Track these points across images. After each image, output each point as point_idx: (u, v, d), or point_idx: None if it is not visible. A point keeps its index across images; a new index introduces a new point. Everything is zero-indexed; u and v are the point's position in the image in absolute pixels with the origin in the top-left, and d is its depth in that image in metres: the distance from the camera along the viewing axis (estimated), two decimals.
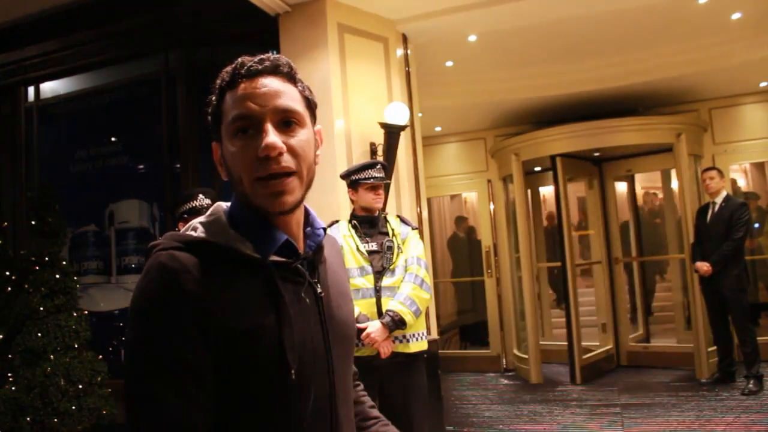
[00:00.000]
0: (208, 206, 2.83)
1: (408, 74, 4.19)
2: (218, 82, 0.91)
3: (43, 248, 3.96)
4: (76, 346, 3.87)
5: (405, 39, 4.20)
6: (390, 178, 3.62)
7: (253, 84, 0.87)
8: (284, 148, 0.85)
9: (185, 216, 2.87)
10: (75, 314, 3.95)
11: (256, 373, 0.81)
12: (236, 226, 0.88)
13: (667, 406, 4.28)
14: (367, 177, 2.74)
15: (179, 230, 2.68)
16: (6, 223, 5.00)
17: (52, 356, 3.74)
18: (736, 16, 4.43)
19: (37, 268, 3.93)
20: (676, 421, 3.95)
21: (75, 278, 4.11)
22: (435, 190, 6.55)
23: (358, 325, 2.55)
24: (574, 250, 5.65)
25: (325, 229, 0.99)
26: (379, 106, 3.76)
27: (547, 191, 10.13)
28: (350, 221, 2.79)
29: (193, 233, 0.87)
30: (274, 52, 4.09)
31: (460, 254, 7.11)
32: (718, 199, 4.75)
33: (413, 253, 2.73)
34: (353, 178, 2.78)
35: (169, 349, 0.77)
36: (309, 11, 3.70)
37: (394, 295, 2.63)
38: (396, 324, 2.55)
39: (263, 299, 0.84)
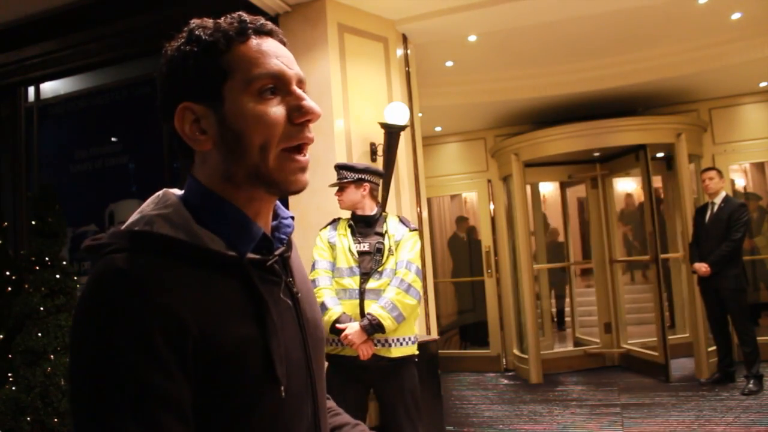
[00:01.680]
0: None
1: (408, 74, 4.19)
2: (215, 32, 0.76)
3: (43, 248, 3.96)
4: None
5: (405, 39, 4.20)
6: (388, 178, 3.62)
7: (272, 43, 0.76)
8: (320, 111, 0.76)
9: None
10: None
11: (242, 394, 0.68)
12: (199, 218, 0.73)
13: (667, 406, 4.28)
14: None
15: None
16: (6, 223, 5.00)
17: (52, 356, 3.74)
18: (736, 16, 4.43)
19: (37, 268, 3.93)
20: (676, 421, 3.95)
21: (75, 278, 4.11)
22: (435, 190, 6.55)
23: (339, 325, 2.54)
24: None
25: (293, 218, 0.86)
26: (379, 106, 3.76)
27: (546, 191, 10.15)
28: (348, 220, 2.79)
29: (148, 228, 0.70)
30: None
31: (461, 254, 7.11)
32: (717, 200, 4.75)
33: (404, 256, 2.65)
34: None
35: (136, 374, 0.61)
36: (309, 11, 3.70)
37: (378, 297, 2.59)
38: (374, 328, 2.50)
39: (243, 306, 0.71)
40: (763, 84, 5.61)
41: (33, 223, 4.05)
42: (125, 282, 0.63)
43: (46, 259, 3.94)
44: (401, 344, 2.62)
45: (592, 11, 4.12)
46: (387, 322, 2.52)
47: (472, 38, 4.45)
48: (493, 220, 6.32)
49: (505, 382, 5.63)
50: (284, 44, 0.79)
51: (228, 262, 0.72)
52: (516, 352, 5.98)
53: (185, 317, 0.64)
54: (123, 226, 0.72)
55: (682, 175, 5.20)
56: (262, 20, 0.78)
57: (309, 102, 0.74)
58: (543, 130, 5.56)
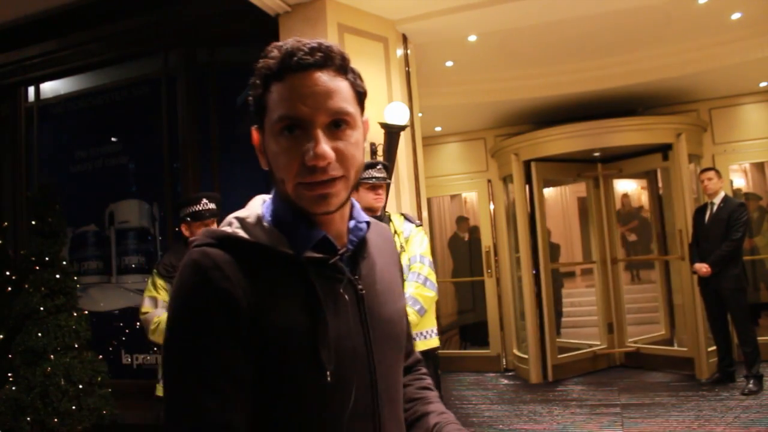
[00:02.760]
0: (211, 210, 2.85)
1: (408, 74, 4.19)
2: (263, 68, 0.83)
3: (43, 248, 3.96)
4: (76, 346, 3.87)
5: (405, 39, 4.20)
6: (390, 178, 3.62)
7: (304, 80, 0.80)
8: (333, 156, 0.80)
9: (188, 219, 2.88)
10: (75, 314, 3.95)
11: (290, 374, 0.79)
12: (275, 221, 0.85)
13: (667, 406, 4.28)
14: (368, 177, 2.73)
15: (182, 233, 2.68)
16: (6, 223, 5.00)
17: (52, 356, 3.74)
18: (736, 16, 4.43)
19: (37, 268, 3.93)
20: (675, 421, 3.95)
21: (75, 278, 4.11)
22: (435, 190, 6.55)
23: None
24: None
25: (368, 223, 0.93)
26: (379, 106, 3.76)
27: (547, 191, 10.16)
28: None
29: (228, 228, 0.84)
30: None
31: (461, 254, 7.11)
32: (717, 200, 4.75)
33: (416, 251, 2.71)
34: None
35: (202, 348, 0.75)
36: (309, 11, 3.70)
37: None
38: None
39: (297, 297, 0.81)
40: (763, 84, 5.61)
41: (33, 223, 4.05)
42: (195, 270, 0.78)
43: (46, 259, 3.94)
44: (425, 337, 2.68)
45: (592, 11, 4.12)
46: (412, 316, 2.56)
47: (472, 38, 4.45)
48: (493, 220, 6.32)
49: (505, 382, 5.63)
50: (331, 66, 0.82)
51: (288, 260, 0.82)
52: (516, 352, 5.98)
53: (241, 301, 0.76)
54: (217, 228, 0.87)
55: (682, 175, 5.20)
56: (305, 51, 0.80)
57: (320, 148, 0.78)
58: (543, 130, 5.56)
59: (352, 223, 0.91)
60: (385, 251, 1.00)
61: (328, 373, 0.79)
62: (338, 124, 0.81)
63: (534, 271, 5.55)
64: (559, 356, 5.46)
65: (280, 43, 0.83)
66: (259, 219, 0.85)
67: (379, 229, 1.02)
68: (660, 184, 6.27)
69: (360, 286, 0.88)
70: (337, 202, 0.82)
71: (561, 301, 7.66)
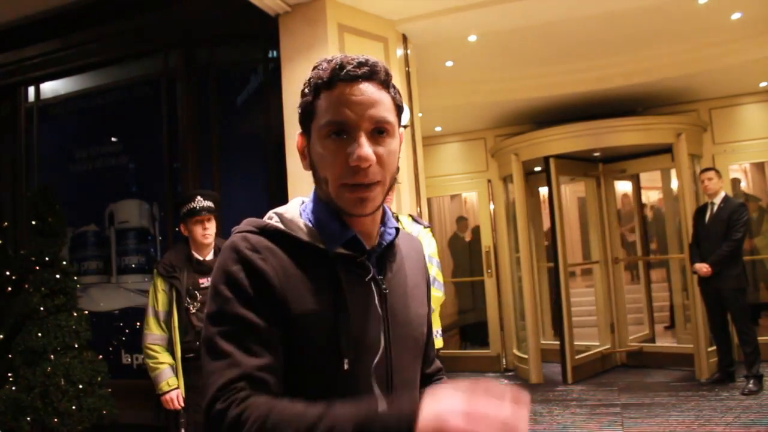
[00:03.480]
0: (207, 208, 2.86)
1: (408, 74, 4.19)
2: (313, 78, 0.92)
3: (43, 248, 3.96)
4: (76, 346, 3.87)
5: (405, 39, 4.20)
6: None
7: (351, 89, 0.88)
8: (374, 159, 0.87)
9: (184, 217, 2.89)
10: (75, 314, 3.95)
11: (309, 360, 0.85)
12: (312, 218, 0.94)
13: (666, 406, 4.28)
14: None
15: (181, 232, 2.71)
16: (6, 223, 5.00)
17: (52, 356, 3.73)
18: (736, 16, 4.43)
19: (37, 268, 3.93)
20: (675, 421, 3.95)
21: (75, 278, 4.11)
22: (435, 190, 6.55)
23: None
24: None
25: (398, 229, 1.01)
26: None
27: (546, 191, 10.13)
28: None
29: (267, 220, 0.93)
30: (275, 53, 4.09)
31: (461, 254, 7.11)
32: (717, 200, 4.75)
33: (425, 252, 2.71)
34: None
35: (237, 313, 0.83)
36: (309, 11, 3.70)
37: None
38: None
39: (324, 288, 0.87)
40: (763, 84, 5.61)
41: (33, 223, 4.05)
42: (234, 251, 0.87)
43: (46, 259, 3.94)
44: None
45: (592, 11, 4.12)
46: None
47: (472, 38, 4.45)
48: (493, 220, 6.32)
49: (505, 382, 5.63)
50: (376, 79, 0.90)
51: (319, 253, 0.90)
52: (516, 352, 5.98)
53: (273, 280, 0.85)
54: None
55: (682, 175, 5.20)
56: (354, 64, 0.89)
57: (362, 150, 0.86)
58: (543, 130, 5.56)
59: (382, 228, 0.98)
60: (413, 260, 1.07)
61: (345, 361, 0.85)
62: (380, 132, 0.89)
63: (554, 269, 5.45)
64: (576, 357, 5.42)
65: (329, 57, 0.92)
66: (297, 214, 0.94)
67: (412, 242, 1.11)
68: (660, 185, 6.28)
69: (384, 286, 0.94)
70: (373, 207, 0.90)
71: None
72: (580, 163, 5.79)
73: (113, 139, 4.86)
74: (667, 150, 5.41)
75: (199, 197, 2.89)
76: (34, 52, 4.87)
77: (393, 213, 2.87)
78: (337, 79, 0.88)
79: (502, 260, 6.22)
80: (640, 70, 5.18)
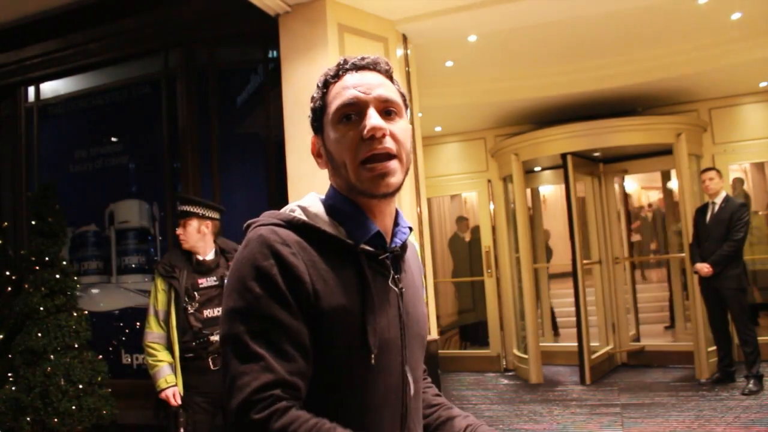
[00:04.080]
0: (180, 213, 3.00)
1: (408, 74, 4.19)
2: (321, 78, 0.96)
3: (43, 248, 3.96)
4: (76, 346, 3.87)
5: (405, 39, 4.20)
6: None
7: (357, 75, 0.93)
8: (387, 130, 0.89)
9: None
10: (75, 314, 3.95)
11: (337, 354, 0.85)
12: (331, 213, 0.93)
13: (667, 406, 4.28)
14: None
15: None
16: (6, 223, 5.00)
17: (52, 356, 3.73)
18: (736, 16, 4.43)
19: (37, 268, 3.93)
20: (676, 421, 3.95)
21: (75, 278, 4.11)
22: (435, 190, 6.55)
23: None
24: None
25: (411, 229, 1.02)
26: None
27: (546, 191, 10.15)
28: None
29: (292, 213, 0.91)
30: (275, 53, 4.09)
31: (461, 254, 7.11)
32: (718, 200, 4.75)
33: None
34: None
35: (268, 312, 0.81)
36: (309, 11, 3.70)
37: None
38: None
39: (351, 283, 0.88)
40: (763, 84, 5.61)
41: (33, 223, 4.05)
42: (264, 243, 0.85)
43: (46, 259, 3.94)
44: None
45: (592, 11, 4.12)
46: None
47: (472, 38, 4.45)
48: (493, 220, 6.32)
49: (505, 382, 5.63)
50: (379, 69, 0.96)
51: (345, 247, 0.90)
52: (516, 352, 5.98)
53: (304, 276, 0.84)
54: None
55: (682, 175, 5.20)
56: (358, 58, 0.95)
57: (374, 121, 0.88)
58: (543, 130, 5.56)
59: (396, 228, 1.00)
60: (413, 261, 1.09)
61: (372, 356, 0.85)
62: (389, 113, 0.92)
63: (572, 268, 5.39)
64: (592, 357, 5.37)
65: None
66: (320, 208, 0.94)
67: (410, 242, 1.09)
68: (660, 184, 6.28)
69: (401, 285, 0.96)
70: (395, 183, 0.90)
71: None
72: (580, 162, 5.79)
73: (113, 139, 4.86)
74: (668, 152, 5.41)
75: (178, 202, 3.07)
76: (34, 52, 4.87)
77: None
78: (343, 70, 0.94)
79: (502, 260, 6.22)
80: (640, 70, 5.18)
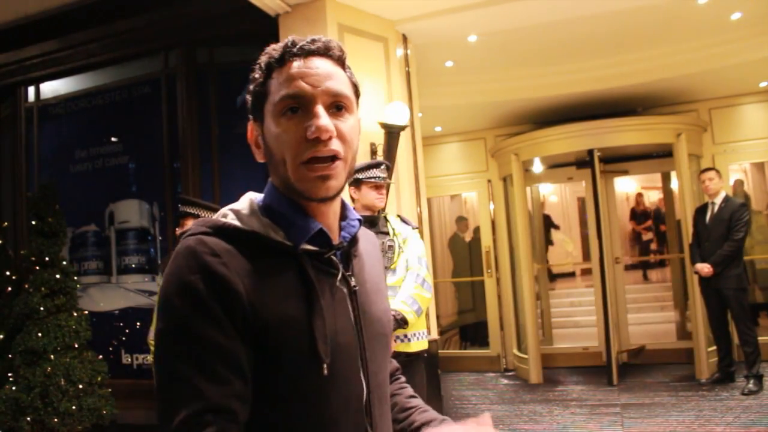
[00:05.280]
0: (180, 214, 3.03)
1: (408, 74, 4.19)
2: (264, 59, 0.86)
3: (43, 248, 3.96)
4: (76, 346, 3.87)
5: (405, 39, 4.20)
6: (390, 179, 3.62)
7: (305, 63, 0.84)
8: (335, 131, 0.82)
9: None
10: (75, 314, 3.95)
11: (286, 367, 0.78)
12: (269, 214, 0.85)
13: (667, 406, 4.28)
14: (371, 176, 2.76)
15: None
16: (6, 223, 5.00)
17: (52, 356, 3.74)
18: (736, 16, 4.43)
19: (37, 268, 3.93)
20: (676, 421, 3.95)
21: (75, 278, 4.11)
22: (435, 190, 6.55)
23: None
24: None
25: (360, 221, 0.94)
26: (379, 106, 3.76)
27: (546, 190, 10.14)
28: None
29: (222, 219, 0.84)
30: None
31: (461, 254, 7.11)
32: (718, 200, 4.75)
33: (414, 252, 2.75)
34: (357, 177, 2.80)
35: (198, 332, 0.73)
36: (309, 11, 3.70)
37: (395, 294, 2.65)
38: (398, 323, 2.56)
39: (294, 289, 0.80)
40: (763, 84, 5.61)
41: (33, 223, 4.05)
42: (190, 256, 0.76)
43: (46, 259, 3.94)
44: (418, 338, 2.72)
45: (593, 11, 4.12)
46: (410, 316, 2.59)
47: (472, 38, 4.45)
48: (493, 220, 6.32)
49: (505, 382, 5.63)
50: (330, 56, 0.86)
51: (284, 250, 0.82)
52: (516, 352, 5.98)
53: (238, 288, 0.75)
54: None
55: (682, 175, 5.20)
56: (307, 41, 0.85)
57: (321, 121, 0.80)
58: (543, 130, 5.56)
59: (343, 222, 0.92)
60: (372, 254, 1.00)
61: (324, 366, 0.78)
62: (338, 108, 0.84)
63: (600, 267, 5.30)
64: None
65: (275, 45, 0.87)
66: (254, 211, 0.85)
67: (365, 233, 1.02)
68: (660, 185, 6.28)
69: (353, 283, 0.88)
70: (336, 186, 0.83)
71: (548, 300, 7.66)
72: (583, 162, 5.79)
73: (113, 139, 4.86)
74: (668, 153, 5.41)
75: (179, 203, 3.11)
76: (34, 52, 4.87)
77: (382, 213, 2.89)
78: (289, 55, 0.84)
79: (502, 260, 6.22)
80: (640, 70, 5.18)
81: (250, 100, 0.89)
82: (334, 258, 0.87)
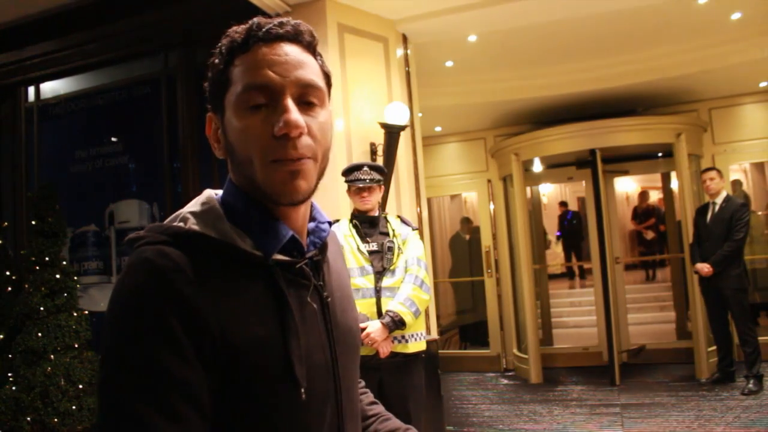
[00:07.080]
0: None
1: (408, 74, 4.19)
2: (226, 42, 0.77)
3: (43, 248, 3.96)
4: (76, 346, 3.87)
5: (405, 39, 4.20)
6: (388, 178, 3.62)
7: (273, 49, 0.74)
8: (305, 128, 0.72)
9: None
10: (75, 314, 3.95)
11: (260, 393, 0.69)
12: (233, 218, 0.74)
13: (666, 406, 4.28)
14: (352, 180, 2.75)
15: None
16: (6, 223, 5.00)
17: (52, 356, 3.74)
18: (736, 16, 4.43)
19: (37, 268, 3.93)
20: (675, 421, 3.95)
21: (75, 278, 4.11)
22: (435, 190, 6.55)
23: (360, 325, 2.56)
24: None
25: (330, 224, 0.86)
26: (379, 106, 3.76)
27: (547, 190, 10.14)
28: (351, 221, 2.80)
29: (182, 225, 0.72)
30: None
31: (461, 254, 7.11)
32: (719, 200, 4.75)
33: (413, 253, 2.74)
34: (344, 180, 2.81)
35: (157, 362, 0.62)
36: (309, 11, 3.70)
37: (394, 295, 2.65)
38: (396, 324, 2.56)
39: (266, 306, 0.71)
40: (763, 84, 5.61)
41: (33, 223, 4.05)
42: (150, 272, 0.65)
43: (46, 259, 3.94)
44: (416, 339, 2.71)
45: (592, 11, 4.12)
46: (408, 317, 2.58)
47: (472, 38, 4.45)
48: (493, 220, 6.32)
49: (505, 382, 5.63)
50: (301, 41, 0.77)
51: (254, 262, 0.72)
52: (516, 352, 5.98)
53: (205, 309, 0.65)
54: (163, 223, 0.74)
55: (682, 175, 5.20)
56: (274, 23, 0.76)
57: (291, 116, 0.71)
58: (543, 130, 5.56)
59: (311, 225, 0.84)
60: (337, 256, 0.92)
61: (302, 390, 0.71)
62: (309, 102, 0.75)
63: (601, 268, 5.31)
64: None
65: (236, 27, 0.78)
66: (219, 215, 0.74)
67: (330, 235, 0.93)
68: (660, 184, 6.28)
69: (326, 293, 0.80)
70: (307, 189, 0.74)
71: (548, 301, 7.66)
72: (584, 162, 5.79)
73: (113, 139, 4.86)
74: (668, 153, 5.41)
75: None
76: (34, 52, 4.87)
77: (383, 213, 2.89)
78: (255, 40, 0.74)
79: (502, 260, 6.22)
80: (640, 70, 5.18)
81: (209, 89, 0.80)
82: (305, 268, 0.78)
